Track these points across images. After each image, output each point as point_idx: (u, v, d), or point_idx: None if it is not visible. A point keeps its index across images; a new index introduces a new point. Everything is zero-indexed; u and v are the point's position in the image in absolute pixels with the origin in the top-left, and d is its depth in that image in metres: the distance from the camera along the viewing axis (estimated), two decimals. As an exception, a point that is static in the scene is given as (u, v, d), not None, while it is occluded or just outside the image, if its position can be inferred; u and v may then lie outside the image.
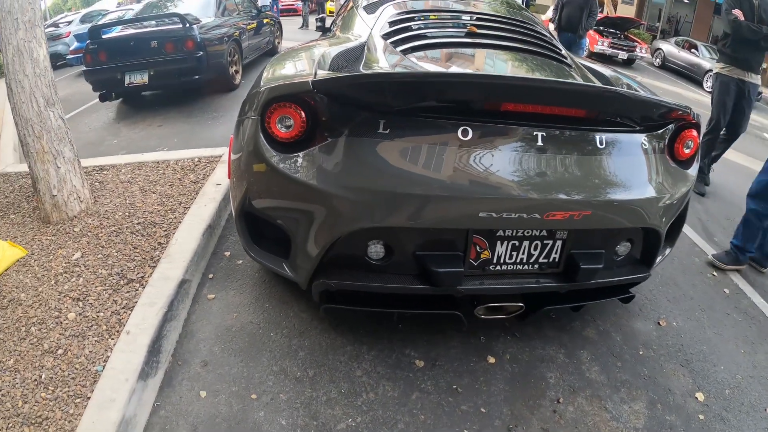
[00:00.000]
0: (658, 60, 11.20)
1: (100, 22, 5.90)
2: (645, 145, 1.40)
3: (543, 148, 1.26)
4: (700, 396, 1.64)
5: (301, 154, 1.29)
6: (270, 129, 1.32)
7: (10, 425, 1.32)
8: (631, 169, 1.36)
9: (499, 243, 1.35)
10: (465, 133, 1.22)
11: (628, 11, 15.34)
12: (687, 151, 1.51)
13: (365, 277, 1.34)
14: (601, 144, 1.32)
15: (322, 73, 1.35)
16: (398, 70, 1.54)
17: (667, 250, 1.79)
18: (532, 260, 1.40)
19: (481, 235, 1.33)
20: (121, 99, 4.99)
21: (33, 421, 1.33)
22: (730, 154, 3.81)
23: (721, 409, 1.61)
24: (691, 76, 9.99)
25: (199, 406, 1.45)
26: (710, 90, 9.77)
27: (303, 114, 1.28)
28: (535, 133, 1.25)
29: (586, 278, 1.41)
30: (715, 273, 2.42)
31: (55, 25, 9.86)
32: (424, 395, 1.51)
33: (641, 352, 1.80)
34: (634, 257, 1.58)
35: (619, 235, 1.47)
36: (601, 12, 13.56)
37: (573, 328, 1.86)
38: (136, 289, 1.81)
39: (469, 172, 1.21)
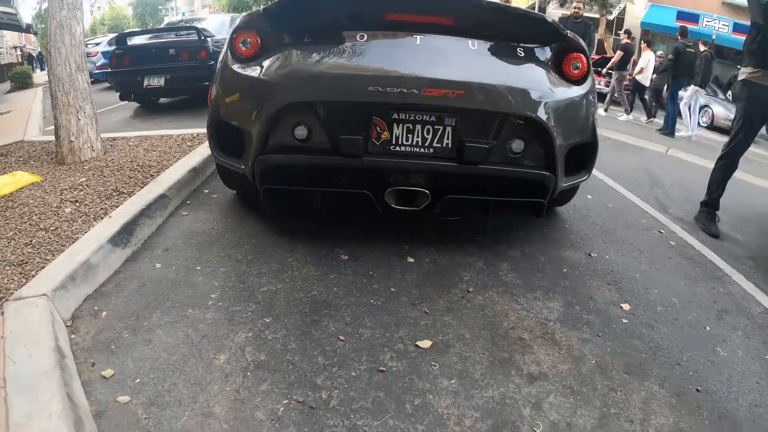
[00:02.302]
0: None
1: (126, 31, 6.77)
2: (521, 52, 1.74)
3: (420, 46, 1.65)
4: (625, 306, 1.71)
5: (254, 62, 1.75)
6: (236, 48, 1.79)
7: (-4, 266, 1.65)
8: (503, 67, 1.68)
9: (395, 125, 1.66)
10: (361, 37, 1.67)
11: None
12: (575, 71, 1.80)
13: (293, 153, 1.70)
14: (473, 46, 1.68)
15: None
16: None
17: (584, 176, 1.96)
18: (426, 144, 1.68)
19: (379, 117, 1.65)
20: (138, 105, 5.68)
21: (15, 264, 1.66)
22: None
23: (650, 319, 1.67)
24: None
25: (152, 273, 1.75)
26: (705, 124, 10.07)
27: (259, 40, 1.76)
28: (414, 36, 1.67)
29: (475, 158, 1.65)
30: (662, 231, 2.51)
31: (84, 45, 11.30)
32: (342, 276, 1.77)
33: (565, 270, 1.93)
34: (534, 157, 1.76)
35: (508, 128, 1.69)
36: (602, 54, 14.27)
37: (497, 249, 2.04)
38: (125, 198, 2.19)
39: (362, 61, 1.63)
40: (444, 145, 1.69)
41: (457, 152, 1.68)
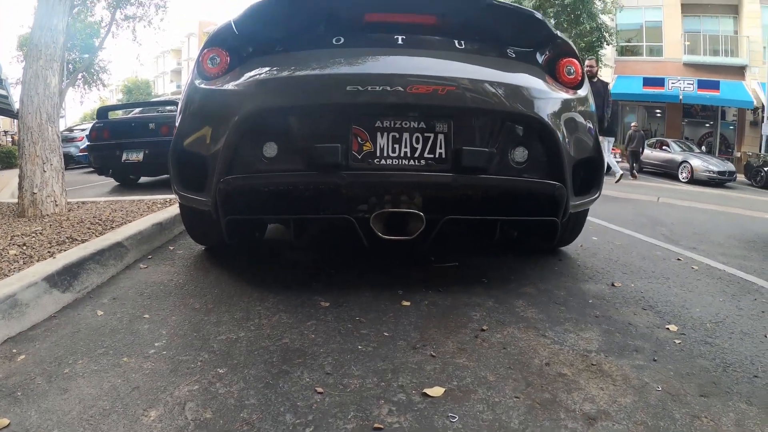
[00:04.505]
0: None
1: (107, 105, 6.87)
2: (512, 54, 1.63)
3: (403, 46, 1.54)
4: (672, 327, 1.49)
5: (222, 78, 1.61)
6: (203, 66, 1.65)
7: None
8: (494, 64, 1.56)
9: (379, 135, 1.44)
10: (338, 41, 1.56)
11: (602, 127, 17.13)
12: (569, 76, 1.68)
13: (261, 172, 1.48)
14: (460, 45, 1.58)
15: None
16: None
17: (594, 194, 1.78)
18: (416, 155, 1.45)
19: (360, 126, 1.45)
20: (117, 183, 5.57)
21: None
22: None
23: (704, 336, 1.45)
24: (667, 172, 10.60)
25: (91, 320, 1.44)
26: (685, 180, 10.44)
27: (228, 56, 1.64)
28: (395, 36, 1.56)
29: (474, 164, 1.43)
30: (680, 258, 2.37)
31: (70, 130, 11.61)
32: (321, 323, 1.45)
33: (591, 301, 1.68)
34: (541, 168, 1.57)
35: (508, 135, 1.51)
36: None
37: (508, 288, 1.77)
38: (77, 245, 1.92)
39: (339, 62, 1.50)
40: (437, 156, 1.47)
41: (453, 161, 1.47)
